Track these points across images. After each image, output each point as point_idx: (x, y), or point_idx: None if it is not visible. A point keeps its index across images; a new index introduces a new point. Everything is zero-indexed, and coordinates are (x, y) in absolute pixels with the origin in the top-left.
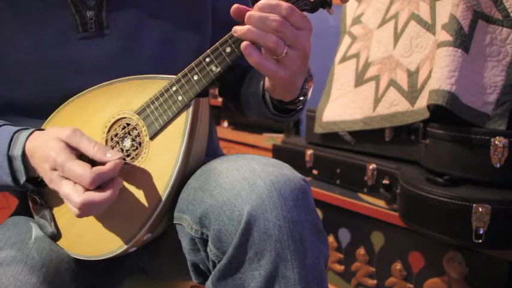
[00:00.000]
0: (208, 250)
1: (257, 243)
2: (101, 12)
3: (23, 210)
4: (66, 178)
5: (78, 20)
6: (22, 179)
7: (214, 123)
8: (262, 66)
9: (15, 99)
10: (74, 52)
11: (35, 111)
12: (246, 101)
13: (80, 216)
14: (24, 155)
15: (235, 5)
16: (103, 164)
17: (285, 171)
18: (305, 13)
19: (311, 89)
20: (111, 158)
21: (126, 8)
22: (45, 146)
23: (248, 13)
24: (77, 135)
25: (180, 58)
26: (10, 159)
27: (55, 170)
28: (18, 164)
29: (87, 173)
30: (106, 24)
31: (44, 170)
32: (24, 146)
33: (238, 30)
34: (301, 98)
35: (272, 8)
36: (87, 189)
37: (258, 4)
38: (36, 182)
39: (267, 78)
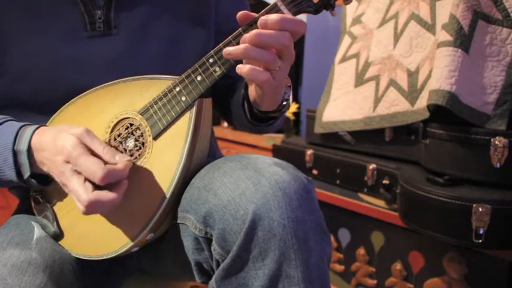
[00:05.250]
0: (212, 249)
1: (261, 242)
2: (109, 12)
3: (23, 210)
4: (78, 173)
5: (86, 19)
6: (26, 173)
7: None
8: (255, 77)
9: (20, 94)
10: (81, 50)
11: (39, 108)
12: (231, 110)
13: (85, 213)
14: (29, 149)
15: (244, 12)
16: None
17: (290, 170)
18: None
19: (291, 90)
20: (119, 160)
21: (134, 9)
22: (57, 139)
23: (256, 31)
24: (90, 135)
25: (185, 58)
26: (15, 154)
27: (68, 163)
28: (24, 159)
29: (100, 168)
30: (114, 24)
31: (54, 164)
32: (30, 140)
33: (232, 51)
34: (284, 103)
35: (284, 24)
36: (96, 188)
37: (267, 20)
38: (39, 179)
39: (252, 92)
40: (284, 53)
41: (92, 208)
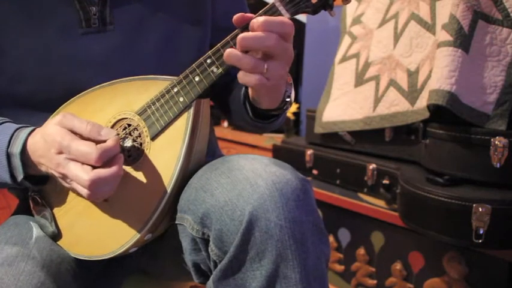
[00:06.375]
0: (209, 250)
1: (258, 243)
2: (104, 8)
3: (23, 211)
4: (73, 160)
5: (82, 15)
6: (20, 176)
7: (212, 123)
8: (246, 81)
9: (18, 92)
10: (77, 47)
11: (38, 105)
12: (231, 108)
13: (90, 196)
14: (23, 152)
15: (240, 14)
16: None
17: (287, 171)
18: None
19: (292, 87)
20: (107, 135)
21: (129, 5)
22: (46, 135)
23: (240, 35)
24: (68, 117)
25: (181, 54)
26: (9, 156)
27: (61, 153)
28: (16, 161)
29: (93, 149)
30: (109, 20)
31: (49, 158)
32: (25, 143)
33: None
34: (287, 100)
35: (269, 26)
36: (94, 168)
37: (255, 22)
38: (35, 181)
39: (250, 91)
40: (273, 54)
41: (95, 187)
